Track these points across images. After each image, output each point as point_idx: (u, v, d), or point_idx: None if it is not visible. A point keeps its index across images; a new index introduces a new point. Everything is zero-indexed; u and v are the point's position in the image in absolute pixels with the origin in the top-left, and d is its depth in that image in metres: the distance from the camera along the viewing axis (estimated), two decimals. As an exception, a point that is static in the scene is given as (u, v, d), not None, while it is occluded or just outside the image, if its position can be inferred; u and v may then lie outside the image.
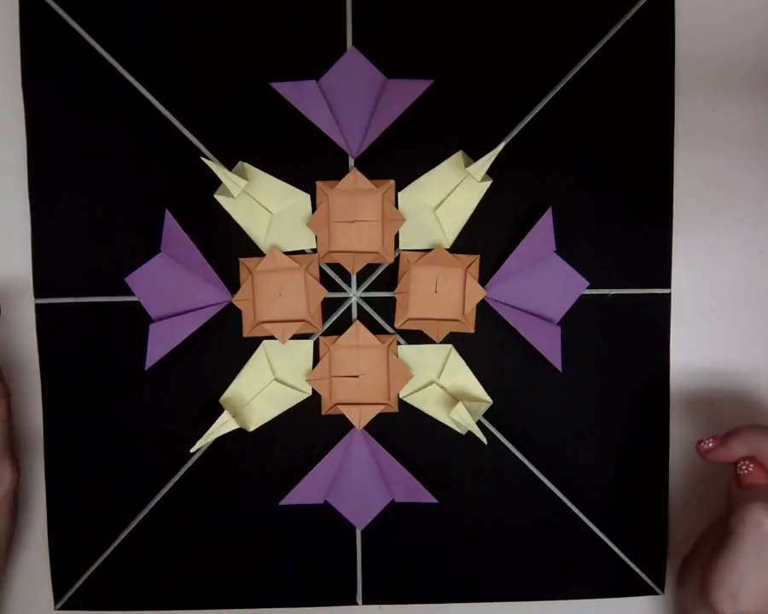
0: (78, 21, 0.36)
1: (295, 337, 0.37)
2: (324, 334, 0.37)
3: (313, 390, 0.37)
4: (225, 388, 0.37)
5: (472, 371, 0.37)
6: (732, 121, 0.37)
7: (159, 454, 0.37)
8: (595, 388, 0.37)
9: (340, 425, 0.37)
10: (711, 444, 0.34)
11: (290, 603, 0.38)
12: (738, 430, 0.33)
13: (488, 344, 0.37)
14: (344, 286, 0.37)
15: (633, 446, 0.38)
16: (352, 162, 0.36)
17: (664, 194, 0.37)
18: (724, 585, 0.30)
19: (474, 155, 0.36)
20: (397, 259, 0.37)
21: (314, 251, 0.37)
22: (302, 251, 0.37)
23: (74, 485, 0.37)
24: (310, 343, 0.37)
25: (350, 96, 0.36)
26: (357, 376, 0.37)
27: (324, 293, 0.36)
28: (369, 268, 0.37)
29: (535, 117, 0.36)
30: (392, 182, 0.36)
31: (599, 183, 0.37)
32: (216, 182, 0.35)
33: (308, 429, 0.37)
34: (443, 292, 0.36)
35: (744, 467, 0.33)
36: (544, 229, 0.36)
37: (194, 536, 0.38)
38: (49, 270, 0.36)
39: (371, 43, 0.36)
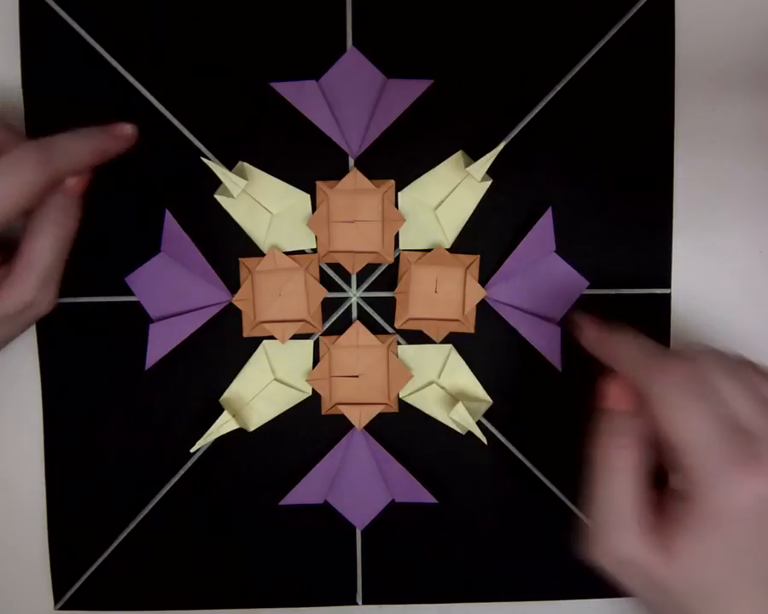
0: (78, 21, 0.36)
1: (295, 337, 0.37)
2: (324, 334, 0.37)
3: (313, 390, 0.37)
4: (225, 388, 0.37)
5: (472, 371, 0.37)
6: (732, 121, 0.37)
7: (159, 454, 0.37)
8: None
9: (340, 425, 0.37)
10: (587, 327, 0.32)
11: (290, 603, 0.38)
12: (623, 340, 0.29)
13: (488, 344, 0.37)
14: (344, 286, 0.37)
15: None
16: (351, 162, 0.36)
17: (664, 193, 0.37)
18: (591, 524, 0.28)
19: (474, 155, 0.36)
20: (397, 259, 0.37)
21: (314, 251, 0.37)
22: (302, 251, 0.37)
23: (74, 485, 0.37)
24: (310, 343, 0.37)
25: (350, 96, 0.36)
26: (357, 376, 0.37)
27: (324, 293, 0.36)
28: (369, 268, 0.37)
29: (535, 117, 0.36)
30: (392, 182, 0.36)
31: (599, 183, 0.37)
32: (216, 182, 0.35)
33: (308, 429, 0.37)
34: (443, 292, 0.36)
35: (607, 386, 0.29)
36: (543, 229, 0.36)
37: (194, 536, 0.38)
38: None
39: (371, 43, 0.36)
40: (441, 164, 0.36)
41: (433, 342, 0.37)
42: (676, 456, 0.26)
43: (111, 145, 0.32)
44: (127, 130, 0.32)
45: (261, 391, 0.37)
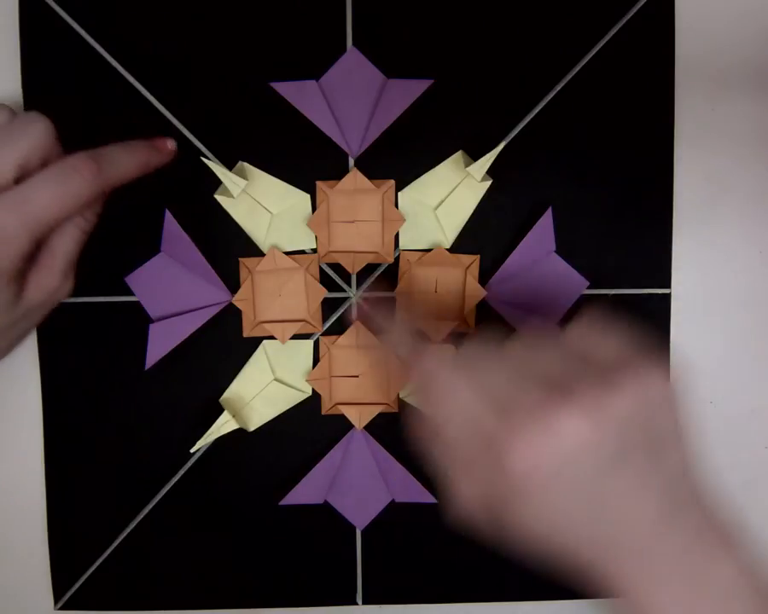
0: (78, 21, 0.35)
1: (295, 337, 0.37)
2: (324, 334, 0.37)
3: (313, 390, 0.37)
4: (225, 388, 0.37)
5: (472, 371, 0.37)
6: (732, 121, 0.37)
7: (159, 454, 0.37)
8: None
9: (340, 425, 0.37)
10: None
11: (290, 603, 0.38)
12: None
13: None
14: (344, 286, 0.37)
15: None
16: (351, 162, 0.36)
17: (664, 193, 0.37)
18: None
19: (474, 155, 0.36)
20: (397, 259, 0.37)
21: (314, 251, 0.37)
22: (302, 251, 0.37)
23: (74, 485, 0.37)
24: (310, 343, 0.37)
25: (350, 96, 0.36)
26: (357, 376, 0.37)
27: (324, 293, 0.36)
28: (369, 268, 0.37)
29: (535, 117, 0.36)
30: (392, 182, 0.36)
31: (599, 183, 0.37)
32: (216, 182, 0.35)
33: (308, 429, 0.37)
34: (443, 292, 0.36)
35: None
36: (543, 229, 0.36)
37: (194, 536, 0.38)
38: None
39: (371, 43, 0.36)
40: (441, 164, 0.36)
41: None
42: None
43: (154, 158, 0.32)
44: (170, 144, 0.33)
45: (261, 391, 0.37)
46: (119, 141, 0.36)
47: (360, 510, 0.37)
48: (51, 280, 0.31)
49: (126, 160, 0.31)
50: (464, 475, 0.27)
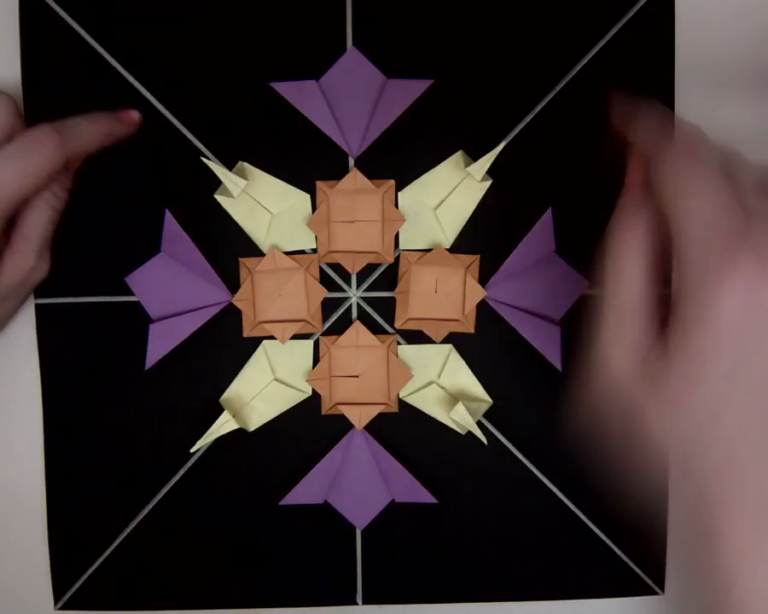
0: (78, 21, 0.35)
1: (295, 337, 0.37)
2: (324, 334, 0.37)
3: (313, 390, 0.37)
4: (225, 388, 0.37)
5: (472, 371, 0.37)
6: (732, 121, 0.37)
7: (159, 454, 0.37)
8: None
9: (340, 425, 0.37)
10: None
11: (290, 603, 0.38)
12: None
13: (488, 344, 0.37)
14: (344, 286, 0.37)
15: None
16: (351, 162, 0.36)
17: (664, 194, 0.37)
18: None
19: (474, 155, 0.36)
20: (397, 259, 0.37)
21: (314, 251, 0.37)
22: (302, 251, 0.37)
23: (74, 485, 0.37)
24: (310, 343, 0.37)
25: (350, 96, 0.36)
26: (357, 376, 0.37)
27: (324, 293, 0.36)
28: (369, 268, 0.37)
29: (535, 117, 0.36)
30: (392, 182, 0.36)
31: (599, 183, 0.37)
32: (216, 182, 0.35)
33: (308, 429, 0.37)
34: (443, 292, 0.36)
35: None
36: (543, 229, 0.36)
37: (194, 536, 0.38)
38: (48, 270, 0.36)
39: (371, 43, 0.36)
40: (441, 164, 0.36)
41: (433, 342, 0.37)
42: (675, 242, 0.24)
43: (118, 129, 0.33)
44: (134, 115, 0.34)
45: (261, 391, 0.37)
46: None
47: (360, 510, 0.37)
48: (26, 261, 0.32)
49: (89, 131, 0.32)
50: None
